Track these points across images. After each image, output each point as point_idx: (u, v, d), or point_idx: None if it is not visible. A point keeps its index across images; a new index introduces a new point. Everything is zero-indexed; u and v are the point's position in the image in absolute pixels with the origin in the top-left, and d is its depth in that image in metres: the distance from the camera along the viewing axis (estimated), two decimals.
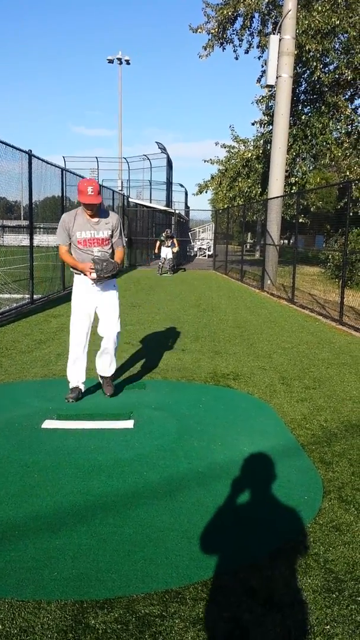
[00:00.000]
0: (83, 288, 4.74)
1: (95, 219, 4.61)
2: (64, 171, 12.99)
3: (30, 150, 10.23)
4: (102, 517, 2.92)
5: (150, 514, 2.97)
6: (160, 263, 20.93)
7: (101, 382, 5.12)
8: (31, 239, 10.85)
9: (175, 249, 20.90)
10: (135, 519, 2.91)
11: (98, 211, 4.60)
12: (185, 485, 3.32)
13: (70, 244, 4.67)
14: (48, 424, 4.24)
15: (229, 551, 2.68)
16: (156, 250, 21.08)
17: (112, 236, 4.70)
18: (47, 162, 11.59)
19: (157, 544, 2.70)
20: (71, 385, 4.93)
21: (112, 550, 2.63)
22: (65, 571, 2.46)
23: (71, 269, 4.82)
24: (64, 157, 32.48)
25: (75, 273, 4.76)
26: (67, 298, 11.99)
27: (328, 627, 2.20)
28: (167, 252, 20.52)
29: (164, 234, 20.81)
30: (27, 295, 10.78)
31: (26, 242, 11.16)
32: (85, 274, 4.62)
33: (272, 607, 2.28)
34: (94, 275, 4.54)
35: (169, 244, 20.40)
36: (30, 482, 3.29)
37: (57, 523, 2.86)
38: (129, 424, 4.26)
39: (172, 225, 26.42)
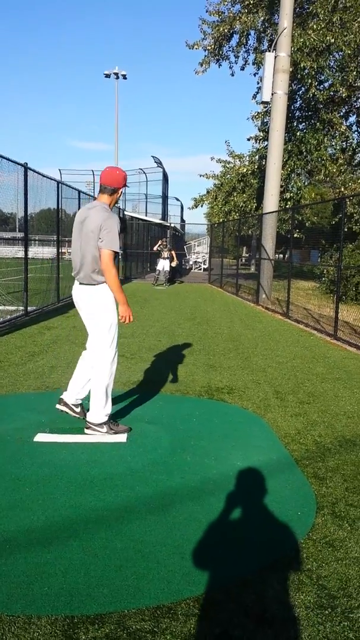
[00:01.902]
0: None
1: None
2: (59, 184, 13.04)
3: (26, 163, 10.28)
4: (94, 532, 2.90)
5: (143, 529, 2.95)
6: (155, 275, 20.98)
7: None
8: (26, 251, 10.87)
9: (174, 263, 20.91)
10: (127, 534, 2.89)
11: None
12: (178, 500, 3.31)
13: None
14: (40, 437, 4.21)
15: (221, 567, 2.66)
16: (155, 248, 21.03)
17: None
18: (43, 175, 11.63)
19: (148, 559, 2.68)
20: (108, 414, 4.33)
21: (103, 565, 2.61)
22: (56, 586, 2.44)
23: (111, 290, 4.02)
24: (60, 169, 32.70)
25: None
26: (61, 310, 12.02)
27: None
28: (164, 264, 20.51)
29: (159, 244, 20.79)
30: (21, 307, 10.76)
31: (21, 254, 11.17)
32: (123, 318, 4.07)
33: (264, 624, 2.26)
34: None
35: (166, 256, 20.39)
36: (22, 495, 3.26)
37: (48, 537, 2.83)
38: (122, 437, 4.24)
39: (167, 238, 26.54)
